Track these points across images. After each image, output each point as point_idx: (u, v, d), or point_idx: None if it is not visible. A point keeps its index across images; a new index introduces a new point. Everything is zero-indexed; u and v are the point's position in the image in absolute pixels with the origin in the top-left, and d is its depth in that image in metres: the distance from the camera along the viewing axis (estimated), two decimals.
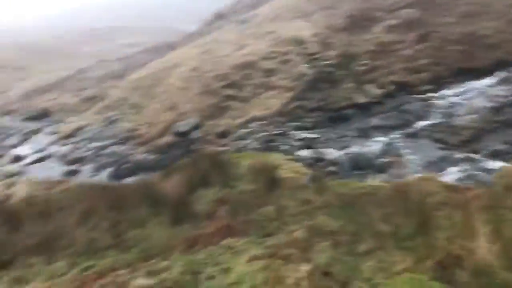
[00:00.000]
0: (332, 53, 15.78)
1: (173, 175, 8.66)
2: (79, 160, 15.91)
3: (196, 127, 14.31)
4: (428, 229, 3.77)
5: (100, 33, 65.92)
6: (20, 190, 11.44)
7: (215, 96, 15.47)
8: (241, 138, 12.20)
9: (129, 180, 12.29)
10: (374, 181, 7.82)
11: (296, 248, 4.11)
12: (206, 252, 4.69)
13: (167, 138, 14.25)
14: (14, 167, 16.63)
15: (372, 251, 3.77)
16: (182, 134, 14.19)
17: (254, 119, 13.44)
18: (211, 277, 3.88)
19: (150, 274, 4.01)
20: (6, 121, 27.86)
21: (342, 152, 10.54)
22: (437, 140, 10.32)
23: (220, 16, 33.62)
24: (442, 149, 10.00)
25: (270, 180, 7.58)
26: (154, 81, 20.05)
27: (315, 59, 15.84)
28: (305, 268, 3.42)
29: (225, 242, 4.93)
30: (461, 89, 12.71)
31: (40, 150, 19.26)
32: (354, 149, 10.64)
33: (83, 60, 48.18)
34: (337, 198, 6.01)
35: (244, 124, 13.27)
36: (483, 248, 2.60)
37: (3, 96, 35.92)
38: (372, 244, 3.89)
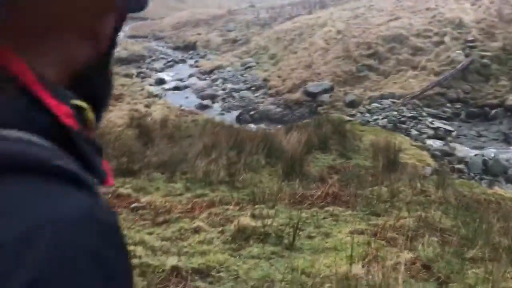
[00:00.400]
0: (494, 44, 14.34)
1: (295, 132, 8.78)
2: (212, 97, 16.86)
3: (327, 90, 14.23)
4: None
5: None
6: (157, 111, 12.53)
7: (354, 64, 15.13)
8: (371, 112, 11.89)
9: (253, 126, 12.78)
10: (503, 190, 7.18)
11: (401, 234, 4.00)
12: (310, 212, 4.77)
13: (297, 95, 14.39)
14: (156, 89, 18.18)
15: (482, 260, 3.54)
16: (312, 95, 14.22)
17: (389, 96, 12.95)
18: (311, 237, 3.96)
19: (254, 216, 4.22)
20: (156, 45, 30.19)
21: (475, 152, 9.78)
22: None
23: None
24: None
25: (391, 162, 7.35)
26: (297, 36, 20.13)
27: (473, 47, 14.56)
28: (406, 255, 3.34)
29: (330, 208, 4.96)
30: None
31: (180, 79, 20.74)
32: (489, 152, 9.79)
33: (236, 2, 49.56)
34: (457, 197, 5.66)
35: (377, 99, 12.87)
36: None
37: (159, 22, 38.80)
38: (483, 253, 3.64)
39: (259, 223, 3.92)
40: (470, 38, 14.91)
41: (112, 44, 0.47)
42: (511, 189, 8.05)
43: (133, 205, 4.88)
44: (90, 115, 0.43)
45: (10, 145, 0.34)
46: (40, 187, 0.34)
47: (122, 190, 5.45)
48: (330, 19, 20.33)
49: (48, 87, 0.39)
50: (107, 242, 0.35)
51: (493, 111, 12.09)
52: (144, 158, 6.84)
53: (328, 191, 5.73)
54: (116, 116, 10.48)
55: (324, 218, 4.63)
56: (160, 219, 4.34)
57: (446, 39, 15.05)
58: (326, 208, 5.00)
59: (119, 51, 25.84)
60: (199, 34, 29.99)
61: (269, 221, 3.96)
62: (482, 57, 13.91)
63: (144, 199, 5.14)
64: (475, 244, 3.89)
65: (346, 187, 6.15)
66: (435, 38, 15.36)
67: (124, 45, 27.82)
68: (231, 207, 4.67)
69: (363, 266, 3.17)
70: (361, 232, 4.03)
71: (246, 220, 3.95)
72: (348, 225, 4.32)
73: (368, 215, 4.77)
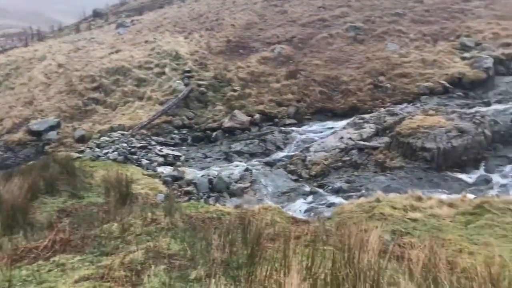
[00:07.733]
0: (207, 74, 16.04)
1: (17, 177, 7.96)
2: None
3: (53, 127, 13.41)
4: (255, 260, 3.97)
5: None
6: None
7: (79, 98, 14.71)
8: (100, 146, 11.71)
9: None
10: (223, 206, 8.02)
11: (130, 270, 4.04)
12: (34, 267, 4.38)
13: (19, 135, 13.13)
14: None
15: (202, 278, 3.86)
16: (37, 133, 13.19)
17: (118, 128, 13.02)
18: None
19: None
20: None
21: (201, 173, 10.65)
22: (290, 172, 10.93)
23: (99, 15, 32.21)
24: (294, 180, 10.57)
25: (123, 195, 7.36)
26: (13, 70, 18.40)
27: (190, 77, 15.96)
28: None
29: (57, 258, 4.65)
30: (319, 127, 13.76)
31: None
32: (214, 171, 10.81)
33: None
34: (184, 220, 6.05)
35: (107, 132, 12.79)
36: (294, 285, 2.82)
37: None
38: (204, 272, 3.98)
39: None
40: (187, 69, 16.32)
41: None
42: (235, 202, 9.06)
43: None
44: None
45: None
46: None
47: None
48: (50, 52, 19.28)
49: None
50: None
51: (214, 134, 13.48)
52: None
53: (55, 238, 5.34)
54: None
55: (49, 270, 4.29)
56: None
57: (167, 70, 16.10)
58: (53, 259, 4.64)
59: None
60: None
61: None
62: (199, 85, 15.39)
63: None
64: (197, 264, 4.21)
65: (78, 230, 5.87)
66: (156, 70, 16.26)
67: None
68: None
69: None
70: (88, 278, 3.90)
71: None
72: (75, 273, 4.12)
73: (98, 256, 4.63)
